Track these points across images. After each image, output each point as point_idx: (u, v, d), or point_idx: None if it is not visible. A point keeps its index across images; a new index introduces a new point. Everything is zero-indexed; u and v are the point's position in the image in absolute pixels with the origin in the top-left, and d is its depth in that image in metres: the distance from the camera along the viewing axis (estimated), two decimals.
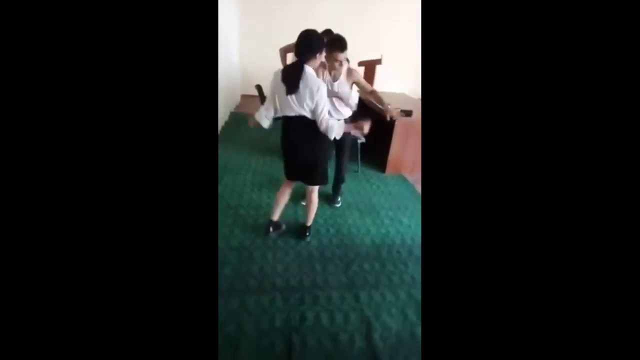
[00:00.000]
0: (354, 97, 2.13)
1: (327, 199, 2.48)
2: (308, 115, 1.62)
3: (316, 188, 1.89)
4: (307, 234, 2.02)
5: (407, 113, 2.96)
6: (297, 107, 1.60)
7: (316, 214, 2.02)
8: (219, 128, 3.77)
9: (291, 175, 1.88)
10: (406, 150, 3.02)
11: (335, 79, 2.04)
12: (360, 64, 3.89)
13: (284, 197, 1.97)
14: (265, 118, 1.74)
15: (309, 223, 2.02)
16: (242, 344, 1.32)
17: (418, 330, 1.46)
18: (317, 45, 1.58)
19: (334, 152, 2.34)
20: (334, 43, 1.91)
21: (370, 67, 4.19)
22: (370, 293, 1.65)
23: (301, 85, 1.55)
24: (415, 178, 3.03)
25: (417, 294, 1.68)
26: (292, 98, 1.59)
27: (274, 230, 2.00)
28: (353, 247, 2.01)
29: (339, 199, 2.50)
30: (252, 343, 1.33)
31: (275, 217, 2.00)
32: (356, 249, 1.99)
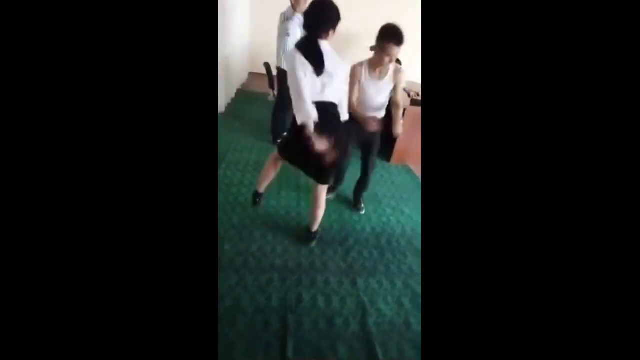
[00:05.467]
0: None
1: (349, 203, 2.32)
2: (336, 101, 1.41)
3: (325, 189, 1.65)
4: (313, 238, 1.80)
5: (417, 102, 2.91)
6: (326, 91, 1.38)
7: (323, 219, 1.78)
8: (225, 105, 3.72)
9: (292, 157, 1.62)
10: (413, 140, 2.99)
11: (380, 77, 1.78)
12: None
13: (273, 172, 1.77)
14: (311, 109, 1.37)
15: (314, 228, 1.77)
16: (239, 319, 1.33)
17: (413, 319, 1.48)
18: (334, 18, 1.34)
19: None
20: (388, 33, 1.59)
21: None
22: (367, 280, 1.67)
23: (328, 64, 1.33)
24: (420, 169, 3.01)
25: (414, 283, 1.69)
26: (320, 80, 1.36)
27: (260, 200, 1.89)
28: (353, 233, 2.01)
29: (363, 205, 2.25)
30: (248, 319, 1.34)
31: (262, 189, 1.85)
32: (356, 235, 1.99)
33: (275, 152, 1.70)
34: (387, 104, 1.92)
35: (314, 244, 1.83)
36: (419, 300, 1.59)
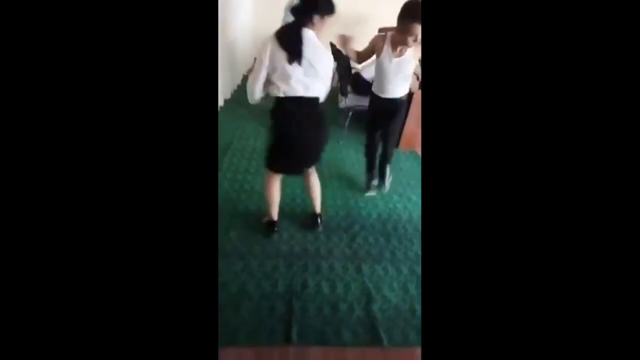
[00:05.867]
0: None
1: (355, 189, 2.27)
2: (321, 95, 1.38)
3: (314, 168, 1.69)
4: (320, 222, 1.82)
5: None
6: (308, 84, 1.32)
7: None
8: (230, 92, 3.70)
9: (286, 168, 1.58)
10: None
11: (400, 54, 1.69)
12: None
13: (277, 191, 1.66)
14: (257, 90, 1.38)
15: (319, 209, 1.82)
16: (244, 305, 1.35)
17: (418, 306, 1.47)
18: (323, 6, 1.27)
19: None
20: (411, 11, 1.48)
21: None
22: (372, 266, 1.66)
23: (308, 53, 1.27)
24: None
25: (420, 270, 1.67)
26: (299, 70, 1.29)
27: (277, 229, 1.75)
28: (359, 219, 1.99)
29: (385, 183, 2.22)
30: (253, 305, 1.36)
31: (275, 215, 1.72)
32: (362, 221, 1.98)
33: (267, 172, 1.61)
34: (407, 84, 1.85)
35: (320, 228, 1.83)
36: None
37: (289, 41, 1.26)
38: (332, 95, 4.24)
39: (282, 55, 1.27)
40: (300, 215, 1.93)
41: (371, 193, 2.25)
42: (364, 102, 2.84)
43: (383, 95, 1.88)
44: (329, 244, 1.76)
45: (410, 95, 2.82)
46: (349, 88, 3.11)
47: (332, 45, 3.64)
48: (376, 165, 2.22)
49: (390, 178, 2.31)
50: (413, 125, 2.93)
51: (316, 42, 1.30)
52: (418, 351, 1.31)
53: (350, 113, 3.00)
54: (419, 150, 3.01)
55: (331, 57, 1.37)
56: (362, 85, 2.94)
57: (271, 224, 1.73)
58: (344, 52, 1.79)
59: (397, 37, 1.64)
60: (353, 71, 3.32)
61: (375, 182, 2.25)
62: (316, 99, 1.38)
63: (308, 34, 1.28)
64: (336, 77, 3.25)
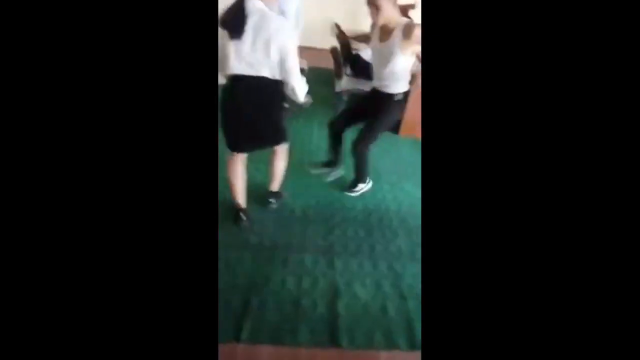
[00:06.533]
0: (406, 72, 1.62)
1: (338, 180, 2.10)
2: (267, 74, 1.24)
3: (286, 147, 1.59)
4: (272, 200, 1.75)
5: None
6: (250, 60, 1.21)
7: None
8: None
9: (239, 146, 1.47)
10: None
11: (386, 39, 1.52)
12: None
13: (240, 174, 1.55)
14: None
15: (276, 188, 1.73)
16: None
17: (390, 305, 1.36)
18: None
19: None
20: None
21: (401, 12, 3.71)
22: (347, 260, 1.55)
23: (249, 28, 1.16)
24: None
25: (399, 267, 1.54)
26: (239, 47, 1.19)
27: (246, 217, 1.63)
28: (341, 210, 1.87)
29: (355, 189, 1.98)
30: None
31: (242, 202, 1.62)
32: (344, 212, 1.86)
33: (227, 152, 1.49)
34: (398, 82, 1.68)
35: (274, 205, 1.76)
36: (402, 284, 1.45)
37: (228, 18, 1.18)
38: (329, 78, 4.04)
39: (224, 35, 1.20)
40: (276, 207, 1.84)
41: (317, 170, 2.08)
42: (361, 85, 2.67)
43: (371, 84, 1.74)
44: (302, 236, 1.66)
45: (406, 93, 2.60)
46: (348, 70, 2.94)
47: (337, 27, 3.45)
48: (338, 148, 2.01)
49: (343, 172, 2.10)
50: (416, 110, 2.72)
51: (263, 9, 1.20)
52: (382, 356, 1.20)
53: (345, 97, 2.83)
54: (419, 136, 2.81)
55: (284, 21, 1.26)
56: (360, 67, 2.76)
57: (237, 212, 1.63)
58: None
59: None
60: (354, 52, 3.14)
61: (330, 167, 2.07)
62: (263, 78, 1.25)
63: (256, 4, 1.18)
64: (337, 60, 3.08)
